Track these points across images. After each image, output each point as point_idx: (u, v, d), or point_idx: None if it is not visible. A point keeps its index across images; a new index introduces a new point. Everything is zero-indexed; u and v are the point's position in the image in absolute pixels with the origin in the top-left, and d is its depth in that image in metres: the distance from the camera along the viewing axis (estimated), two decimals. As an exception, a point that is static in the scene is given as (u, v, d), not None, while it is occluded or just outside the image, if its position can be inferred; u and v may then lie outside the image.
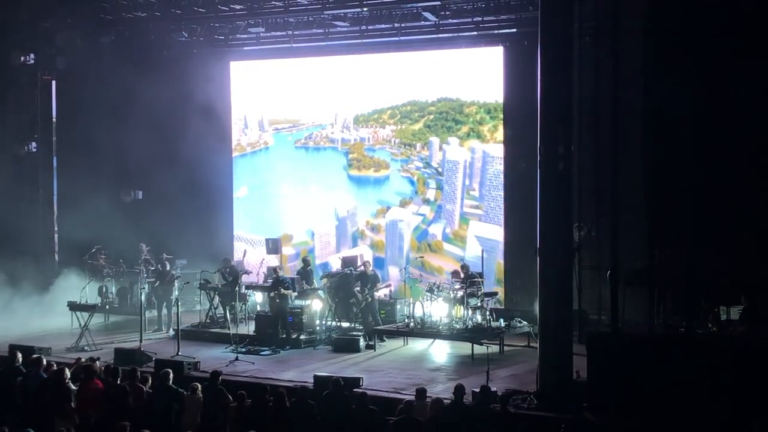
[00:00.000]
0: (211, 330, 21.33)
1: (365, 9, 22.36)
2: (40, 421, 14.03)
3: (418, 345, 20.18)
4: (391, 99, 24.03)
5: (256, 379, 16.95)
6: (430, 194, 23.78)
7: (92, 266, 23.82)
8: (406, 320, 20.27)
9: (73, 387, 14.94)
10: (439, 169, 23.50)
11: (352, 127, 24.58)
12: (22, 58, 26.25)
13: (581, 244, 16.18)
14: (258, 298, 22.28)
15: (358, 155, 24.64)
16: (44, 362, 15.82)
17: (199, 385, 14.80)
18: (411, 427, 13.07)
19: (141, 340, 19.88)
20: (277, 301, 20.40)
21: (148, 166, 25.32)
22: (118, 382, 14.93)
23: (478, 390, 14.22)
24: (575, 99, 15.83)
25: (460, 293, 19.65)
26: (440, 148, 23.45)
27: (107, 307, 23.27)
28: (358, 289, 20.79)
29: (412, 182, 23.93)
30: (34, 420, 14.02)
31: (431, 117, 23.57)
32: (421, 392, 14.11)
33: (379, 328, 20.35)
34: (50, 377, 15.13)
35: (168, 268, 22.32)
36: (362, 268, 21.33)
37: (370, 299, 20.69)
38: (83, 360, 16.58)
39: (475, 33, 22.12)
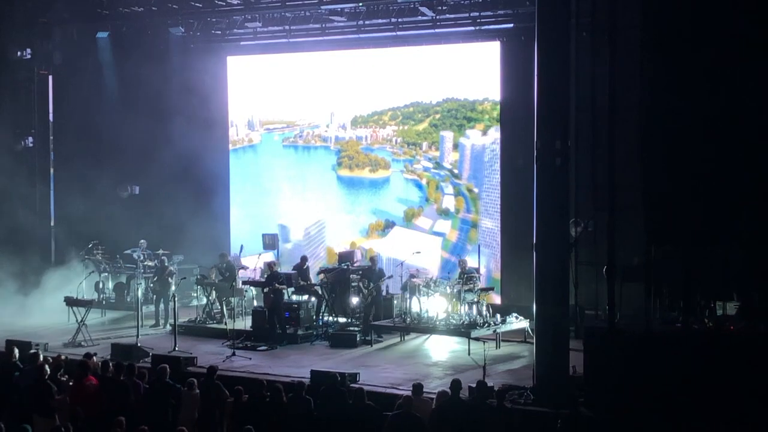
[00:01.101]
0: (208, 325, 21.35)
1: (362, 4, 22.34)
2: (32, 419, 14.01)
3: (414, 340, 20.19)
4: (391, 100, 23.59)
5: (253, 374, 16.93)
6: (448, 203, 22.07)
7: (89, 261, 23.83)
8: (403, 316, 20.27)
9: (69, 383, 14.92)
10: (455, 171, 22.38)
11: (349, 127, 24.26)
12: (19, 53, 26.24)
13: (578, 240, 16.19)
14: (255, 293, 22.30)
15: (351, 152, 23.95)
16: (41, 358, 15.82)
17: (196, 381, 14.80)
18: (409, 423, 13.07)
19: (138, 336, 19.86)
20: (272, 296, 20.38)
21: (144, 161, 25.31)
22: (120, 377, 14.93)
23: (474, 385, 14.21)
24: (572, 94, 15.82)
25: (457, 288, 19.66)
26: (455, 147, 22.48)
27: (104, 302, 23.28)
28: (364, 284, 20.81)
29: (419, 186, 22.87)
30: (28, 417, 14.03)
31: (437, 116, 22.76)
32: (417, 387, 14.11)
33: (376, 323, 20.34)
34: (32, 374, 15.06)
35: (166, 264, 22.32)
36: (368, 263, 21.34)
37: (375, 293, 20.70)
38: (64, 357, 16.58)
39: (472, 28, 22.09)
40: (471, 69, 22.56)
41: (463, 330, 19.07)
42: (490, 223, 22.28)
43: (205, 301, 22.13)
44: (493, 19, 21.88)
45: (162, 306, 22.04)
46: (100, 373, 15.07)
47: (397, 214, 23.44)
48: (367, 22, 22.94)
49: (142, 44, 25.29)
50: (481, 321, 19.26)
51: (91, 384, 14.60)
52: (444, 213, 22.67)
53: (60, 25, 25.91)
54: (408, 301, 20.20)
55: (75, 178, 25.47)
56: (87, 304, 20.88)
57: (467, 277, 19.77)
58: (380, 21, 22.81)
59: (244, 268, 23.09)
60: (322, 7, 22.74)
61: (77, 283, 22.31)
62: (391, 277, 21.21)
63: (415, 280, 20.37)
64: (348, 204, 24.22)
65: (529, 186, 15.80)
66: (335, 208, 24.36)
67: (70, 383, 14.99)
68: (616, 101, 15.10)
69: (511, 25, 21.63)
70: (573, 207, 16.18)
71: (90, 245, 24.05)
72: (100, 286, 23.66)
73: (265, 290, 20.64)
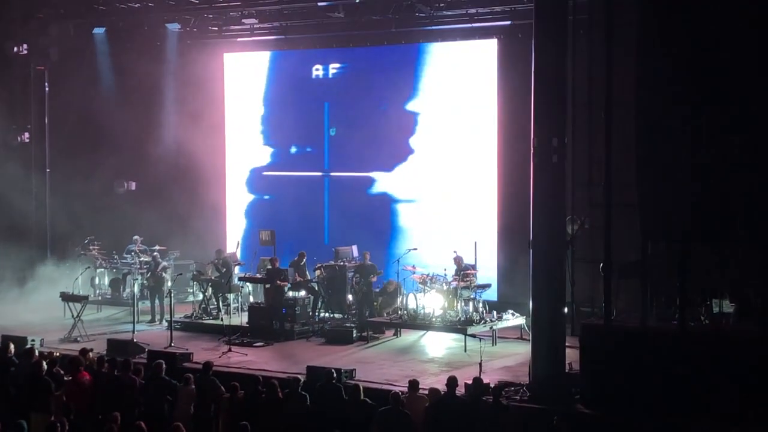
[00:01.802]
0: (204, 321, 21.34)
1: (358, 0, 22.30)
2: (29, 415, 13.99)
3: (410, 337, 20.20)
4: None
5: (249, 370, 16.94)
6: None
7: (85, 257, 23.82)
8: (399, 312, 20.28)
9: (64, 379, 14.91)
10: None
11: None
12: (15, 49, 26.18)
13: (574, 237, 16.21)
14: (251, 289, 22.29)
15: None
16: (36, 353, 15.81)
17: (192, 377, 14.79)
18: (396, 419, 13.10)
19: (134, 331, 19.85)
20: (273, 292, 20.37)
21: (141, 157, 25.30)
22: (114, 372, 14.93)
23: (470, 382, 14.22)
24: (569, 91, 15.83)
25: (453, 285, 19.66)
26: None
27: (100, 298, 23.26)
28: (356, 279, 20.82)
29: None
30: (25, 412, 14.03)
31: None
32: (413, 384, 14.12)
33: (372, 319, 20.34)
34: (28, 370, 15.01)
35: (158, 260, 22.25)
36: (360, 259, 21.36)
37: (365, 289, 20.71)
38: (57, 353, 16.54)
39: (469, 25, 22.07)
40: (468, 66, 22.52)
41: (460, 327, 19.08)
42: (487, 220, 22.26)
43: (201, 297, 22.12)
44: (490, 17, 21.87)
45: (157, 302, 22.02)
46: (96, 368, 15.06)
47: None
48: (364, 19, 22.92)
49: (139, 40, 25.25)
50: (478, 318, 19.27)
51: (84, 380, 14.60)
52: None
53: (56, 20, 25.84)
54: (405, 296, 20.22)
55: (71, 174, 25.42)
56: (83, 300, 20.86)
57: (464, 273, 19.78)
58: (378, 18, 22.77)
59: (241, 263, 23.08)
60: (319, 3, 22.68)
61: (73, 278, 22.28)
62: (380, 273, 21.26)
63: (415, 276, 20.42)
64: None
65: (525, 183, 15.81)
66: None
67: (66, 378, 14.97)
68: (612, 98, 15.13)
69: (508, 22, 21.61)
70: (569, 204, 16.19)
71: (86, 241, 24.04)
72: (96, 281, 23.64)
73: (267, 286, 20.65)
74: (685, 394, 13.87)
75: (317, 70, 24.50)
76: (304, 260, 22.00)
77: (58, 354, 16.63)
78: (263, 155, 25.48)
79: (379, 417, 13.21)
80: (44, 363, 14.96)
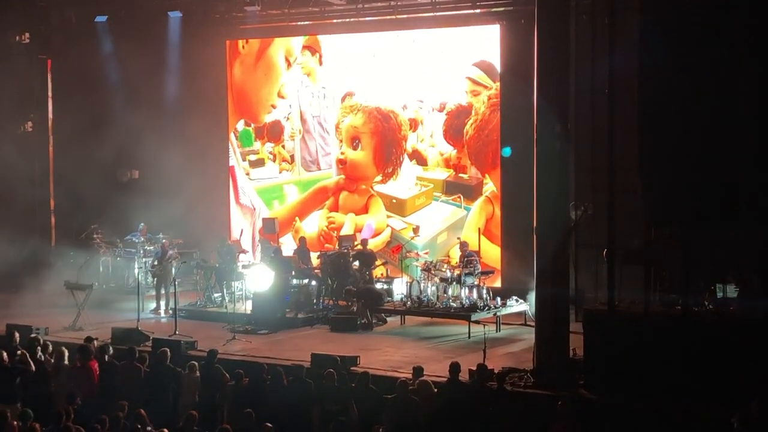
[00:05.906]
0: (209, 309, 21.36)
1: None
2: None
3: (414, 323, 20.20)
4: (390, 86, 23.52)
5: (254, 358, 16.95)
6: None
7: (89, 245, 23.83)
8: (403, 299, 20.29)
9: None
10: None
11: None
12: (18, 38, 26.17)
13: (578, 223, 16.20)
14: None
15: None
16: (41, 342, 15.83)
17: (197, 365, 14.83)
18: (405, 406, 13.12)
19: (138, 320, 19.89)
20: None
21: (144, 144, 25.27)
22: (112, 361, 14.97)
23: (474, 368, 14.24)
24: (572, 77, 15.79)
25: (457, 272, 19.66)
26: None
27: (104, 286, 23.28)
28: (356, 267, 20.82)
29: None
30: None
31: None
32: (417, 370, 14.14)
33: (377, 307, 20.31)
34: None
35: (167, 249, 22.23)
36: (359, 247, 21.36)
37: (368, 277, 20.72)
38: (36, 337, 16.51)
39: (472, 11, 22.01)
40: (471, 52, 22.45)
41: (463, 313, 19.09)
42: (491, 206, 22.21)
43: (205, 285, 22.12)
44: (493, 2, 21.81)
45: (163, 290, 21.99)
46: (100, 356, 15.09)
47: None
48: (366, 6, 22.86)
49: (141, 28, 25.20)
50: (481, 304, 19.27)
51: (94, 368, 14.65)
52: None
53: (58, 8, 25.83)
54: (408, 284, 20.22)
55: (74, 163, 25.44)
56: (87, 288, 20.87)
57: (467, 260, 19.78)
58: (379, 4, 22.71)
59: (244, 251, 23.08)
60: (321, -11, 22.68)
61: (77, 267, 22.29)
62: (381, 262, 21.23)
63: (419, 262, 20.43)
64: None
65: (529, 169, 15.79)
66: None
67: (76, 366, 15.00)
68: (615, 83, 15.08)
69: (511, 7, 21.56)
70: (573, 190, 16.15)
71: (90, 229, 24.05)
72: (101, 270, 23.65)
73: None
74: (689, 379, 13.88)
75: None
76: (307, 247, 22.01)
77: (42, 341, 16.47)
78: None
79: (389, 405, 13.22)
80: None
